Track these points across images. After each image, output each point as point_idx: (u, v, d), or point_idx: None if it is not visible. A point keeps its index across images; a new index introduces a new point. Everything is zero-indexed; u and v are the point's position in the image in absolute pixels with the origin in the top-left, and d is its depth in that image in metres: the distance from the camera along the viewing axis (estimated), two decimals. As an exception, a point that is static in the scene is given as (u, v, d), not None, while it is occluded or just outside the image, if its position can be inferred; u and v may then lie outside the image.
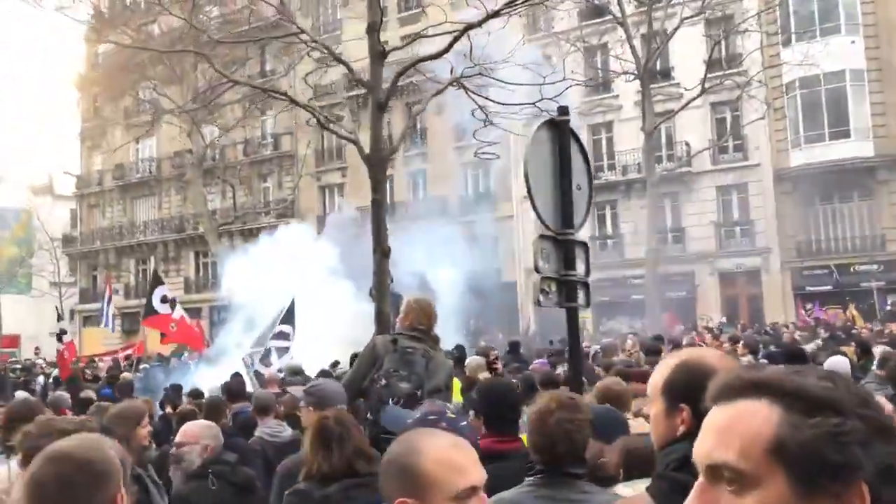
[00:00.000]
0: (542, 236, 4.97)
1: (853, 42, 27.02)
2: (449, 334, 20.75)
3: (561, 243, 4.93)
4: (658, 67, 28.66)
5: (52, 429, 3.05)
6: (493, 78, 8.25)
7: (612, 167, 32.43)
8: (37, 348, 38.53)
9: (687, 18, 23.21)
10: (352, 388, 4.53)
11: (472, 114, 9.34)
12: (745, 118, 28.07)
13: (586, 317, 31.54)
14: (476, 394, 4.14)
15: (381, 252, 7.10)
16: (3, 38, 73.32)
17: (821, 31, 27.52)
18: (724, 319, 25.73)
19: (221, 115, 31.58)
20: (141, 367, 18.81)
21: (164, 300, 17.65)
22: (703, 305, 29.32)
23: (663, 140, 31.48)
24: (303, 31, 9.60)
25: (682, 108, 24.52)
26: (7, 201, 46.56)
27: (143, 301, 33.97)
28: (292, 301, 14.16)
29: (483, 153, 24.09)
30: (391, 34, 27.83)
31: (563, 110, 5.12)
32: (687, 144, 29.81)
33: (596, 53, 31.70)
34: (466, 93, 8.41)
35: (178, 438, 4.23)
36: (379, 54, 7.65)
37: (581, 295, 5.08)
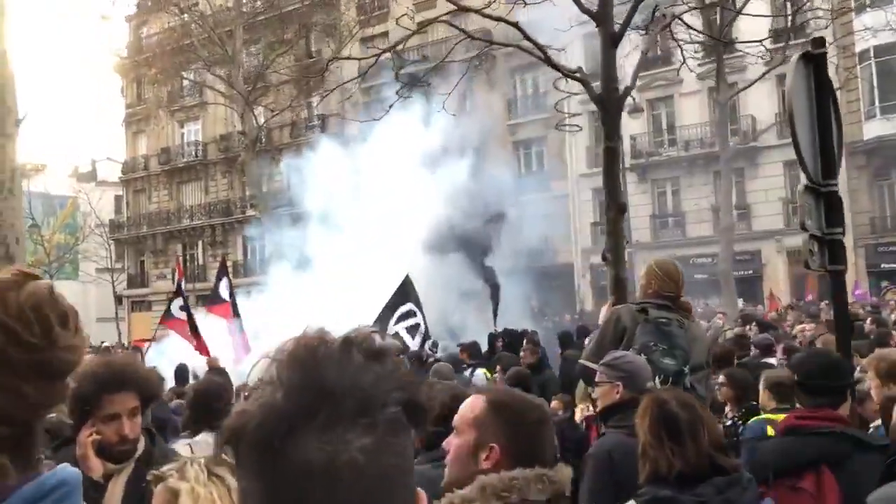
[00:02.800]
0: (806, 188, 4.29)
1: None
2: (514, 317, 20.26)
3: (822, 196, 4.25)
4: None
5: None
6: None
7: (672, 143, 31.44)
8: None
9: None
10: (597, 365, 3.90)
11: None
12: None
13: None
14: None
15: (617, 208, 6.41)
16: (42, 25, 73.56)
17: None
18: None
19: (269, 95, 31.12)
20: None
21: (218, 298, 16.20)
22: (771, 284, 28.36)
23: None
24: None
25: (760, 78, 23.41)
26: (52, 188, 46.57)
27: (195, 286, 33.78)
28: (406, 278, 13.38)
29: (563, 125, 23.43)
30: None
31: (819, 42, 4.43)
32: (753, 119, 28.74)
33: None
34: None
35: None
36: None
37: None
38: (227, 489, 1.83)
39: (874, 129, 26.87)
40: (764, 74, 23.36)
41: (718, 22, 22.28)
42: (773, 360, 8.55)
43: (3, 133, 7.03)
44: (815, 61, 4.27)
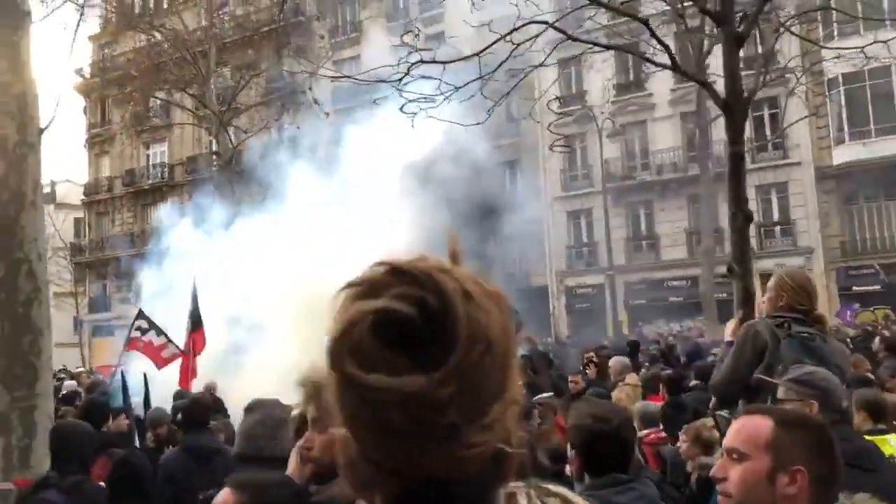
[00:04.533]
0: None
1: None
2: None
3: None
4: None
5: None
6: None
7: (645, 167, 31.76)
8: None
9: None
10: (736, 383, 3.74)
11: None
12: (786, 116, 27.47)
13: (622, 320, 30.95)
14: None
15: (744, 216, 6.26)
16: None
17: (864, 25, 26.97)
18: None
19: (241, 117, 30.70)
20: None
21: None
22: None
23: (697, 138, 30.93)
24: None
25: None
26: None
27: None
28: None
29: (557, 145, 23.44)
30: None
31: None
32: (725, 144, 29.13)
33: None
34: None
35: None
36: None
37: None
38: None
39: (843, 154, 27.46)
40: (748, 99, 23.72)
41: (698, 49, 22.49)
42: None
43: (25, 143, 6.71)
44: None
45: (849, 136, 27.39)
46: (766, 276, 21.53)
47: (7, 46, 6.74)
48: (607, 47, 7.90)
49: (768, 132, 29.41)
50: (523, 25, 7.23)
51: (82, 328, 42.69)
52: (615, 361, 9.38)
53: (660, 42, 7.38)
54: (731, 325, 4.39)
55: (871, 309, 27.16)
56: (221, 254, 20.87)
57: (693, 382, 8.28)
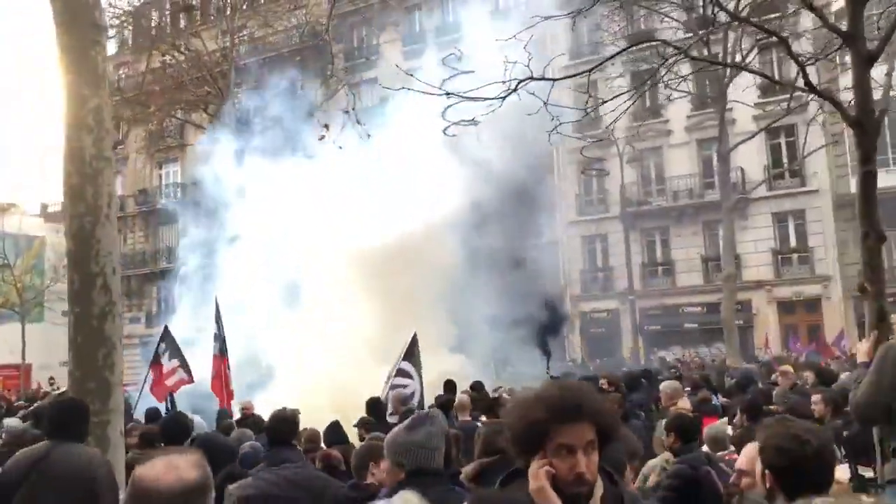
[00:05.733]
0: None
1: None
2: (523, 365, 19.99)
3: None
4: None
5: None
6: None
7: (661, 192, 31.81)
8: (51, 378, 37.17)
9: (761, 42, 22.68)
10: (878, 404, 3.69)
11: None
12: (801, 143, 27.58)
13: (632, 346, 30.84)
14: None
15: (877, 236, 6.23)
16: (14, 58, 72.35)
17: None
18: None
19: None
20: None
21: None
22: (761, 335, 28.59)
23: (714, 166, 30.99)
24: None
25: (751, 137, 23.90)
26: (19, 228, 45.33)
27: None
28: (414, 335, 12.51)
29: (591, 170, 23.46)
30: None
31: None
32: (742, 171, 29.22)
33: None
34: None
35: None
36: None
37: None
38: None
39: (861, 182, 27.47)
40: (760, 131, 23.90)
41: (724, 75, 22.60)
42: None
43: (102, 156, 6.69)
44: None
45: (867, 165, 27.41)
46: (783, 304, 21.83)
47: (85, 61, 6.75)
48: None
49: (785, 160, 29.55)
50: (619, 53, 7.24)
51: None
52: (666, 386, 9.30)
53: (795, 61, 7.43)
54: (865, 346, 4.36)
55: (891, 337, 27.10)
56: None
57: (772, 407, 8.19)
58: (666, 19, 23.48)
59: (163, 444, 6.35)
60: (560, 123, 6.98)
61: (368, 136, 12.29)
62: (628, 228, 27.58)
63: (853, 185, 27.49)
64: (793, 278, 28.87)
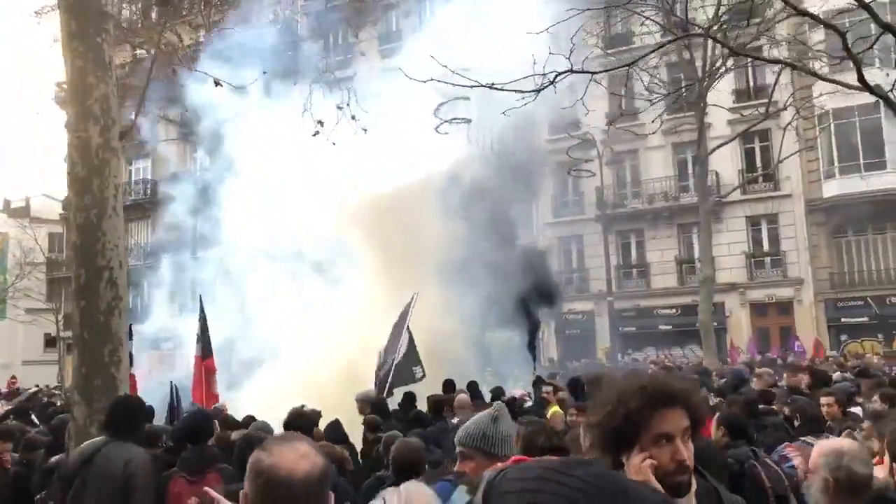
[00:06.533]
0: None
1: (887, 74, 27.10)
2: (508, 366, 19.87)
3: None
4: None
5: None
6: None
7: (636, 195, 32.04)
8: (13, 378, 36.39)
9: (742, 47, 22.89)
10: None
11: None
12: (775, 148, 27.94)
13: (606, 347, 31.02)
14: None
15: None
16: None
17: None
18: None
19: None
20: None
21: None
22: (735, 336, 28.90)
23: (690, 169, 31.30)
24: None
25: (729, 141, 24.19)
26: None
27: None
28: (414, 296, 12.58)
29: (577, 170, 23.46)
30: None
31: None
32: (717, 175, 29.52)
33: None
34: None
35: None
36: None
37: None
38: None
39: (833, 188, 27.96)
40: (735, 137, 24.21)
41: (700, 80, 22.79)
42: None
43: (108, 147, 6.52)
44: None
45: (838, 172, 27.89)
46: (755, 306, 22.10)
47: (91, 49, 6.56)
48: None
49: (759, 164, 29.92)
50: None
51: (54, 346, 41.73)
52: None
53: (853, 60, 7.42)
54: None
55: (860, 340, 27.62)
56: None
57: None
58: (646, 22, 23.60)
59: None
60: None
61: (364, 130, 12.19)
62: (606, 230, 27.70)
63: (825, 191, 28.00)
64: (765, 281, 29.24)
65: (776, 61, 7.90)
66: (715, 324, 29.79)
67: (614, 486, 1.08)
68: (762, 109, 25.09)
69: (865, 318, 27.29)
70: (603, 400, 2.46)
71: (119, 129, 6.63)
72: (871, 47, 7.97)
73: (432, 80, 6.75)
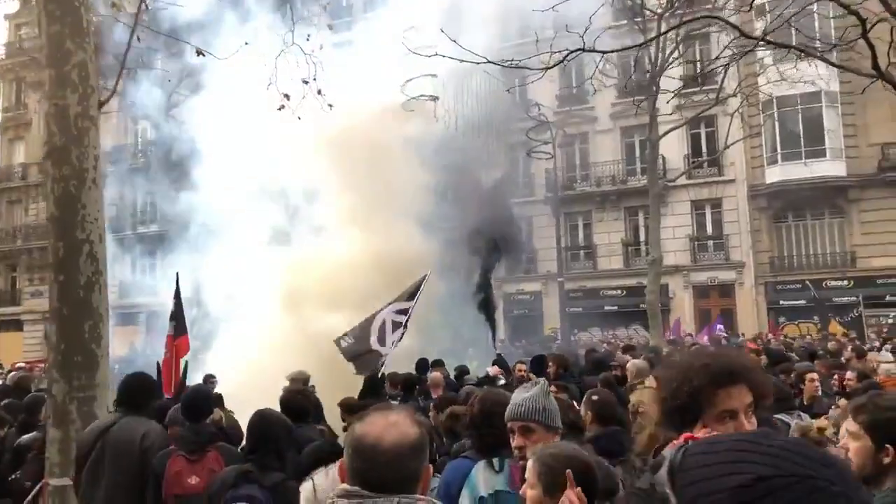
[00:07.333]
0: None
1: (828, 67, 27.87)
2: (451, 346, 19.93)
3: None
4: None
5: None
6: None
7: (585, 178, 32.40)
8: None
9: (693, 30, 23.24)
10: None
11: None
12: (720, 134, 28.50)
13: (554, 327, 31.40)
14: None
15: None
16: None
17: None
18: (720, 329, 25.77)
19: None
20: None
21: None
22: (678, 316, 29.54)
23: (637, 153, 31.78)
24: None
25: (678, 126, 24.54)
26: None
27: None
28: (425, 276, 11.93)
29: (535, 151, 23.47)
30: None
31: None
32: (664, 159, 29.99)
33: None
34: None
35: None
36: None
37: None
38: None
39: (775, 174, 28.72)
40: (690, 120, 24.56)
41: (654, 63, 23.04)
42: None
43: (87, 116, 6.28)
44: None
45: (781, 158, 28.65)
46: (698, 288, 22.54)
47: (69, 13, 6.29)
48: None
49: (705, 149, 30.53)
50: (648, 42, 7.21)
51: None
52: (632, 365, 9.47)
53: (869, 45, 7.48)
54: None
55: (797, 322, 28.54)
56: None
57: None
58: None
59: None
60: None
61: (330, 106, 11.99)
62: (557, 212, 27.91)
63: (768, 177, 28.74)
64: (708, 264, 29.94)
65: (789, 46, 7.99)
66: (659, 305, 30.60)
67: (814, 452, 1.09)
68: (711, 95, 25.63)
69: (803, 301, 28.18)
70: (668, 377, 2.47)
71: (98, 97, 6.38)
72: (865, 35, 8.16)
73: (437, 54, 6.66)
